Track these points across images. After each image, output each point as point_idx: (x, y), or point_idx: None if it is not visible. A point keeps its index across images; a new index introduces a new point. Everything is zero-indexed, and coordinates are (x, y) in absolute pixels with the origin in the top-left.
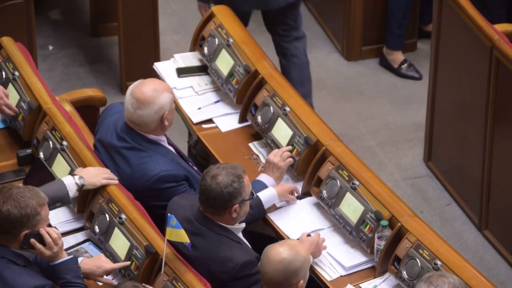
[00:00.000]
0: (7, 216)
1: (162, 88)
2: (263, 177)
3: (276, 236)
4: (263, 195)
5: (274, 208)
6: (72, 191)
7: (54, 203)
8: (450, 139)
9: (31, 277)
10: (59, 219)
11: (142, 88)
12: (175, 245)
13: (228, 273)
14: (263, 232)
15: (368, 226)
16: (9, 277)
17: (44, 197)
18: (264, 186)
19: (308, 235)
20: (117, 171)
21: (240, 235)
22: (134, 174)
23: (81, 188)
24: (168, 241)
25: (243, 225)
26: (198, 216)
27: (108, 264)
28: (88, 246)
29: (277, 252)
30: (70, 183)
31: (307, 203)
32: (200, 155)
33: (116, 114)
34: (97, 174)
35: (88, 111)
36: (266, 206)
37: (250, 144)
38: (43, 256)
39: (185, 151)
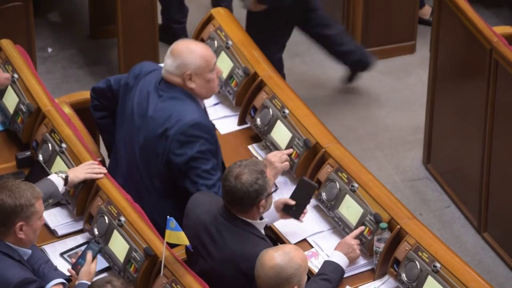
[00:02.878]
0: (1, 206)
1: (198, 51)
2: None
3: (276, 239)
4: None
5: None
6: (60, 186)
7: (46, 199)
8: (449, 141)
9: (22, 271)
10: (58, 221)
11: (183, 41)
12: (189, 238)
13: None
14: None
15: (367, 228)
16: (1, 268)
17: (39, 191)
18: None
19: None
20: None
21: (263, 231)
22: (171, 117)
23: (66, 181)
24: (168, 243)
25: (266, 220)
26: (223, 212)
27: None
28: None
29: (271, 257)
30: (56, 179)
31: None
32: None
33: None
34: (81, 167)
35: (87, 113)
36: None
37: (250, 147)
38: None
39: None
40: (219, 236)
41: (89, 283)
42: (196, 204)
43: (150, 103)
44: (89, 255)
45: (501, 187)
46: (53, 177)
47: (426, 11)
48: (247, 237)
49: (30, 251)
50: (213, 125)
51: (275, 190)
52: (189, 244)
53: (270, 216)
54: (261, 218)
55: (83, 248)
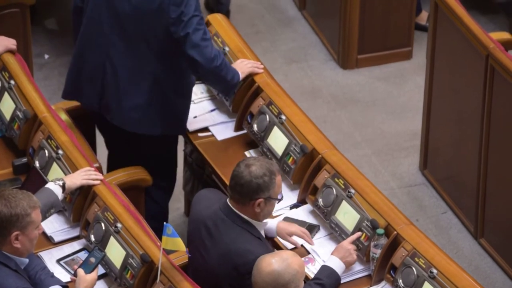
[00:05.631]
0: None
1: None
2: None
3: (272, 245)
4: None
5: (271, 216)
6: (59, 194)
7: (48, 209)
8: (445, 147)
9: (19, 280)
10: (55, 228)
11: None
12: (190, 232)
13: (247, 265)
14: None
15: (364, 234)
16: None
17: (36, 201)
18: None
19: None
20: None
21: (262, 232)
22: None
23: (64, 188)
24: (164, 249)
25: (267, 221)
26: (224, 207)
27: None
28: (83, 255)
29: (268, 263)
30: (54, 187)
31: (303, 211)
32: (196, 163)
33: None
34: (77, 173)
35: (84, 119)
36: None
37: (246, 153)
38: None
39: (181, 159)
40: (216, 230)
41: None
42: (200, 199)
43: None
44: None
45: (497, 192)
46: (51, 185)
47: (424, 17)
48: (241, 233)
49: (27, 260)
50: None
51: (279, 200)
52: (186, 249)
53: (270, 232)
54: None
55: (79, 254)
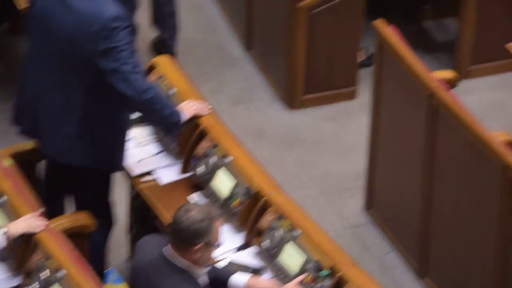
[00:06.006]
0: None
1: None
2: None
3: None
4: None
5: (212, 261)
6: (2, 243)
7: None
8: (390, 187)
9: None
10: None
11: None
12: (131, 280)
13: None
14: None
15: (309, 276)
16: None
17: None
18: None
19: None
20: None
21: (203, 277)
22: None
23: (7, 236)
24: None
25: (205, 270)
26: (161, 255)
27: None
28: None
29: None
30: None
31: (249, 254)
32: (141, 207)
33: None
34: (21, 220)
35: (29, 165)
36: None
37: (193, 195)
38: None
39: (126, 203)
40: (155, 278)
41: None
42: (142, 246)
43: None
44: None
45: (441, 232)
46: None
47: (359, 54)
48: (178, 281)
49: None
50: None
51: (217, 246)
52: None
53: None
54: None
55: None
